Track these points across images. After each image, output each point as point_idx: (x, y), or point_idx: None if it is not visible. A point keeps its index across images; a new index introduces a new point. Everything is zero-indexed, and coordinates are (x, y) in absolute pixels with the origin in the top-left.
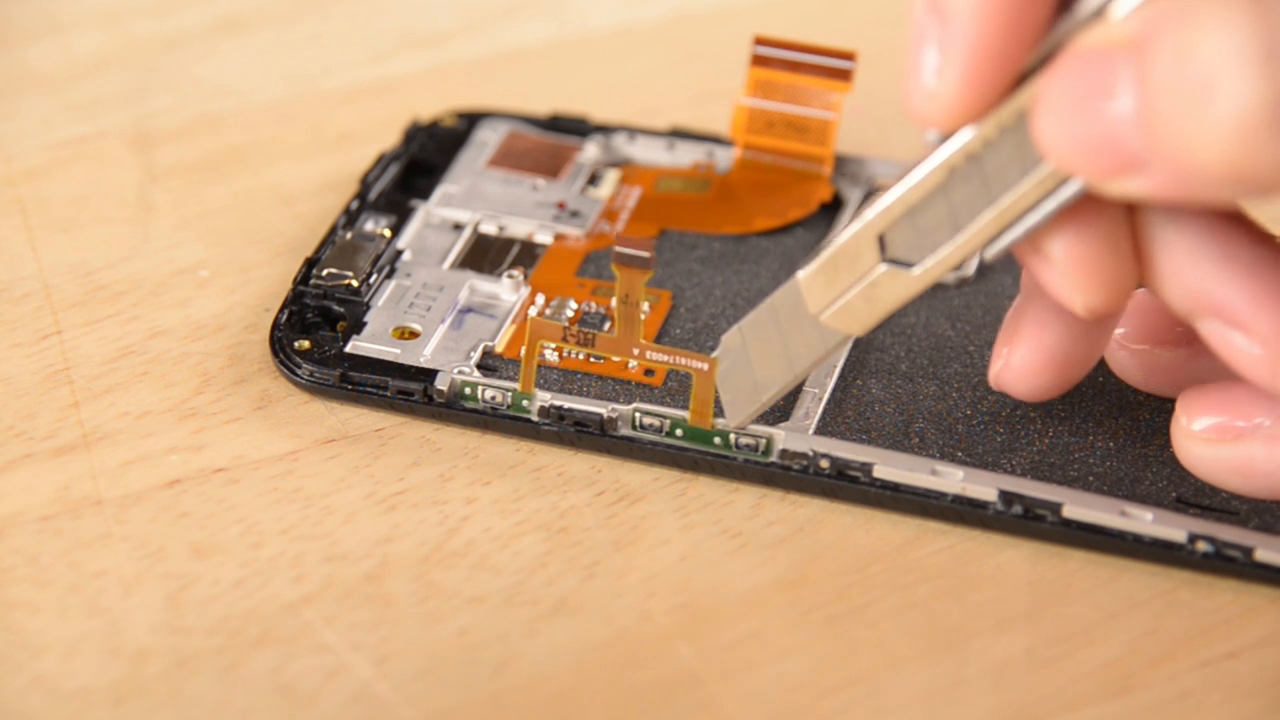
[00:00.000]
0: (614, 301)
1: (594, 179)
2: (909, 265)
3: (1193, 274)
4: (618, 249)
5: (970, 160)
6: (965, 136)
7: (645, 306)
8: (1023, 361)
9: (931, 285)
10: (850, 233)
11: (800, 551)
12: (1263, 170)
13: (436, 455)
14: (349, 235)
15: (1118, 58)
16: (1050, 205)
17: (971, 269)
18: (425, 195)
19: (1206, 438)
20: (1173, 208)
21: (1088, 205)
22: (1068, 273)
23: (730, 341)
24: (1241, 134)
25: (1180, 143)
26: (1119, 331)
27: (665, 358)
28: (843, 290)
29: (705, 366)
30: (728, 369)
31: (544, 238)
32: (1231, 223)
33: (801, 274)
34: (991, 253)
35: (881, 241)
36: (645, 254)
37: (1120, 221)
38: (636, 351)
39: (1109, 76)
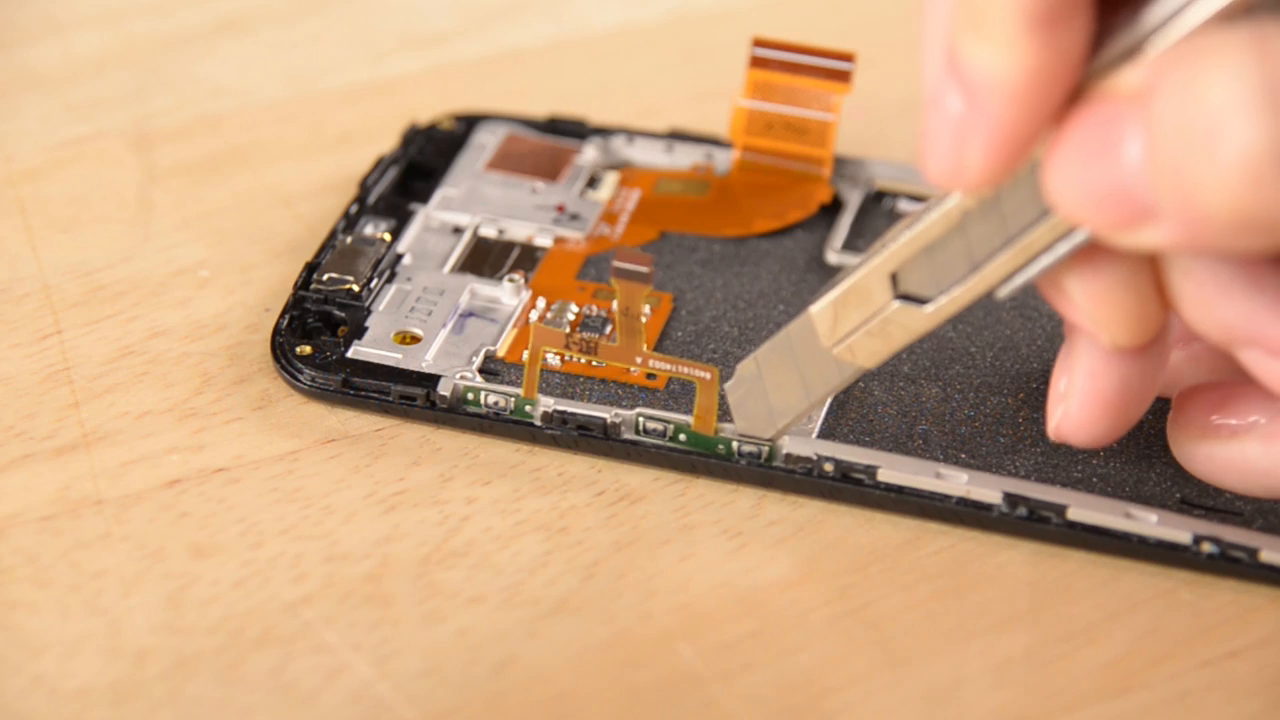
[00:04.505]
0: (614, 305)
1: (593, 181)
2: (922, 302)
3: (1225, 306)
4: (616, 264)
5: (985, 204)
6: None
7: (646, 309)
8: (1081, 410)
9: (945, 322)
10: (863, 270)
11: (800, 551)
12: (1273, 213)
13: (436, 455)
14: (349, 239)
15: (1125, 109)
16: (1064, 247)
17: None
18: (424, 199)
19: (1202, 436)
20: (1188, 255)
21: (1105, 248)
22: (1089, 311)
23: (745, 370)
24: (1248, 177)
25: (1188, 190)
26: (1122, 337)
27: (668, 366)
28: (855, 326)
29: (708, 376)
30: (743, 396)
31: (544, 241)
32: None
33: (814, 308)
34: (1005, 291)
35: (894, 279)
36: (644, 269)
37: (1140, 259)
38: (639, 360)
39: (1117, 128)
